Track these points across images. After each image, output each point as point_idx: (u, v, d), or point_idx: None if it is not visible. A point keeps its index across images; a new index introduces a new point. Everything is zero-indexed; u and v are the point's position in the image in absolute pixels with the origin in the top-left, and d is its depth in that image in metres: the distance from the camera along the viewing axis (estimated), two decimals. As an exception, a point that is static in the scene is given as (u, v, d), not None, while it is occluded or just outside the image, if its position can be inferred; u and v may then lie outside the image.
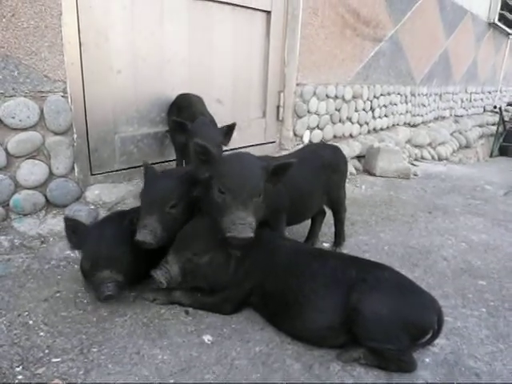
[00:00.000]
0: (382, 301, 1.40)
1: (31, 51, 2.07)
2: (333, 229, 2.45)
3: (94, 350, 1.38)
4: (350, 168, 4.21)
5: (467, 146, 7.16)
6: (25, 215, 2.17)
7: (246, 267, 1.61)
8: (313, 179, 2.12)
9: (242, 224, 1.46)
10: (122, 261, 1.59)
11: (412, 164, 5.05)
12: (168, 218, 1.67)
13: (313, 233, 2.42)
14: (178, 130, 2.34)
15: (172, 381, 1.28)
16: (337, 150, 2.40)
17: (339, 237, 2.42)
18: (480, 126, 8.27)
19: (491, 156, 8.42)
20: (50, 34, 2.11)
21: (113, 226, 1.70)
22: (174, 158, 2.80)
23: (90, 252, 1.60)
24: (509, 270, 2.29)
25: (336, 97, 4.19)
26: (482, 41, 8.02)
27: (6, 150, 2.05)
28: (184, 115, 2.48)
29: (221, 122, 2.55)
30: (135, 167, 2.70)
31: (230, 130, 2.40)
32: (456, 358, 1.52)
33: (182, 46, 2.82)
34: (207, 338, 1.48)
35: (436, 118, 6.89)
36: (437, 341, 1.57)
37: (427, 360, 1.49)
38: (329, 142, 3.97)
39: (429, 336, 1.46)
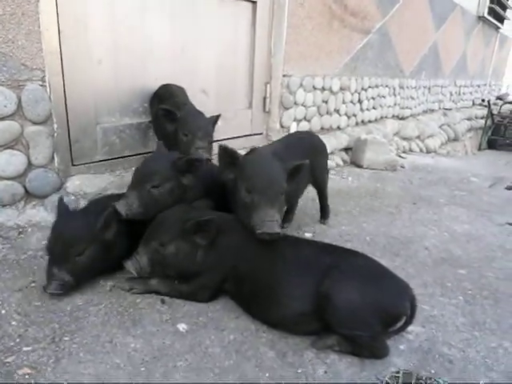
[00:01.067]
0: (352, 287, 1.40)
1: (8, 39, 2.03)
2: (314, 218, 2.52)
3: (66, 338, 1.37)
4: (337, 160, 4.22)
5: (455, 139, 7.20)
6: (3, 206, 2.14)
7: (217, 254, 1.61)
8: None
9: (271, 221, 1.57)
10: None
11: (400, 156, 5.07)
12: (148, 196, 1.74)
13: (289, 215, 2.50)
14: (166, 119, 2.30)
15: (143, 368, 1.27)
16: (317, 136, 2.64)
17: (325, 211, 2.63)
18: (468, 119, 8.31)
19: (479, 149, 8.49)
20: (27, 22, 2.07)
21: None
22: (158, 149, 2.78)
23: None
24: (489, 260, 2.31)
25: (323, 88, 4.18)
26: (471, 34, 8.04)
27: (-18, 139, 2.03)
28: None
29: (206, 113, 2.53)
30: (118, 158, 2.68)
31: (216, 120, 2.40)
32: (430, 345, 1.54)
33: (165, 36, 2.78)
34: (182, 327, 1.48)
35: (425, 111, 6.91)
36: (412, 328, 1.59)
37: (401, 347, 1.50)
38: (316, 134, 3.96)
39: (402, 322, 1.47)
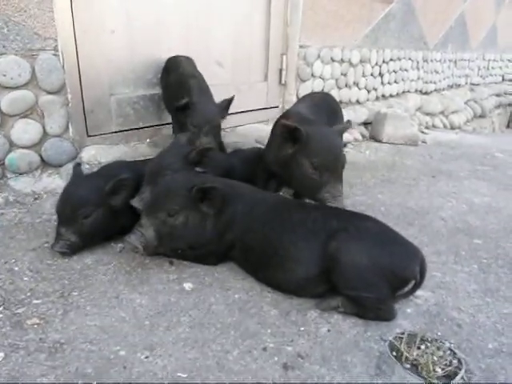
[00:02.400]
0: (360, 249, 1.38)
1: (20, 8, 2.05)
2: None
3: (75, 293, 1.41)
4: (356, 134, 4.13)
5: (482, 116, 6.92)
6: (20, 174, 2.21)
7: (226, 220, 1.59)
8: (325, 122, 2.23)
9: (340, 195, 1.73)
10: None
11: (422, 132, 4.91)
12: None
13: None
14: (178, 112, 2.30)
15: (147, 322, 1.30)
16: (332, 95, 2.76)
17: None
18: (497, 95, 7.95)
19: (508, 126, 8.14)
20: (39, -10, 2.09)
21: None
22: (171, 121, 2.78)
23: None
24: (508, 231, 2.23)
25: (342, 60, 4.07)
26: (502, 5, 7.62)
27: (-1, 108, 2.07)
28: (172, 77, 2.46)
29: (220, 85, 2.52)
30: (132, 129, 2.70)
31: (229, 103, 2.37)
32: (439, 309, 1.51)
33: (178, 6, 2.75)
34: (188, 286, 1.50)
35: (450, 86, 6.65)
36: (421, 293, 1.56)
37: (408, 310, 1.48)
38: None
39: (411, 286, 1.44)
